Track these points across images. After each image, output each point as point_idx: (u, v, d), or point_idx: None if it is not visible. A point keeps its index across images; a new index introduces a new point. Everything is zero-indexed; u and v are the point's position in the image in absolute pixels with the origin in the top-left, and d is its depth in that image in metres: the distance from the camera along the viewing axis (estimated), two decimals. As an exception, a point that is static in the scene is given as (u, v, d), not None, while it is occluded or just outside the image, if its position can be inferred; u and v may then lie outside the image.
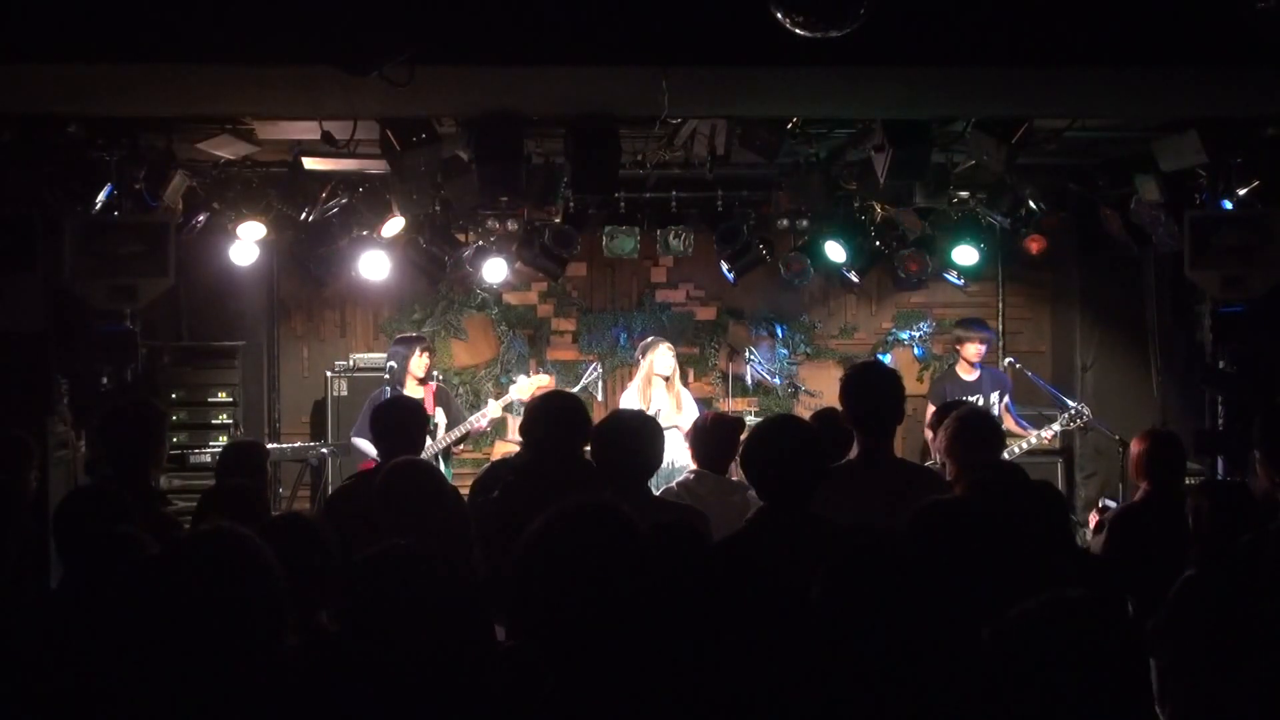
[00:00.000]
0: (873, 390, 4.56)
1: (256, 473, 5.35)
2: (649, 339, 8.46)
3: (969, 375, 8.41)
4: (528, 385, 8.15)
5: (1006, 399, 8.33)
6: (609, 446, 4.38)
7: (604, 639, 2.49)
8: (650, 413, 6.82)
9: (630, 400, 8.04)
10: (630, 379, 9.97)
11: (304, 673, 2.68)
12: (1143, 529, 5.06)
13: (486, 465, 6.31)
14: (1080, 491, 9.56)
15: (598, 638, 2.49)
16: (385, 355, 8.79)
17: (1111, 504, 5.96)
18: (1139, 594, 4.66)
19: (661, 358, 8.08)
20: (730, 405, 9.28)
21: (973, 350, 8.39)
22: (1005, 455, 7.49)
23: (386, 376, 7.93)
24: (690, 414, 7.72)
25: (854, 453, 4.56)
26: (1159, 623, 4.32)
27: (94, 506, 3.96)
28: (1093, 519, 5.78)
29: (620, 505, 2.64)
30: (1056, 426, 7.96)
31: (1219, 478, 7.60)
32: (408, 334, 8.59)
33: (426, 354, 8.00)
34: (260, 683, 2.51)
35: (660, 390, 8.07)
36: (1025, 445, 7.90)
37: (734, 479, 5.64)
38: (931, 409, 6.89)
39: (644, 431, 4.48)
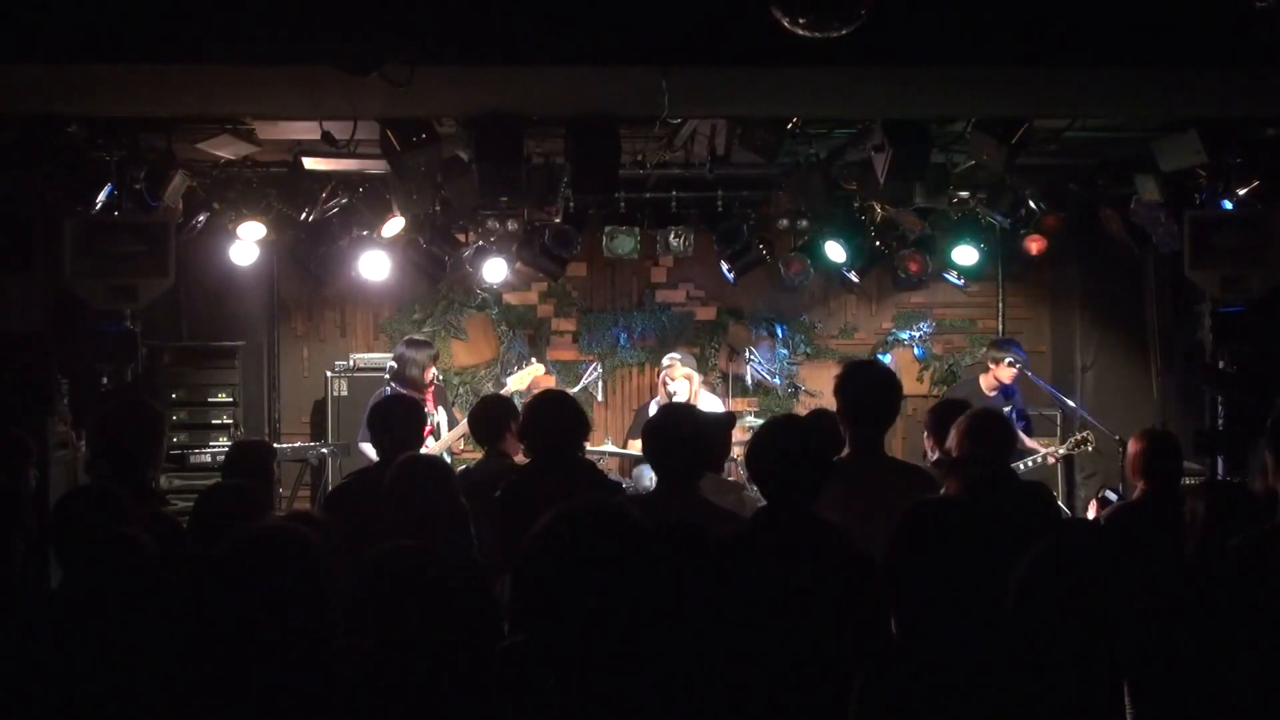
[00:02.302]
0: (869, 388, 4.57)
1: (263, 473, 5.35)
2: (665, 360, 8.43)
3: (990, 391, 8.38)
4: (523, 376, 8.16)
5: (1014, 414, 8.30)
6: (657, 442, 4.33)
7: (606, 638, 2.49)
8: None
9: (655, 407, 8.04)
10: (630, 379, 10.00)
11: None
12: (1139, 528, 5.07)
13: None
14: (1080, 491, 9.56)
15: (600, 637, 2.49)
16: (385, 355, 8.79)
17: (1112, 495, 5.94)
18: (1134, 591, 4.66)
19: (677, 385, 8.11)
20: (730, 405, 9.27)
21: (1007, 374, 8.30)
22: (1019, 467, 7.52)
23: (387, 375, 7.92)
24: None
25: (845, 451, 4.56)
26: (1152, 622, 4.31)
27: (91, 506, 3.96)
28: (1092, 508, 5.78)
29: (625, 505, 2.64)
30: (1062, 450, 7.96)
31: (1219, 478, 7.60)
32: (418, 338, 8.48)
33: (434, 364, 7.96)
34: (317, 679, 2.49)
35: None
36: (1031, 463, 7.86)
37: (730, 478, 5.66)
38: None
39: (695, 429, 4.43)
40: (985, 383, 8.43)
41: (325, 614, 2.58)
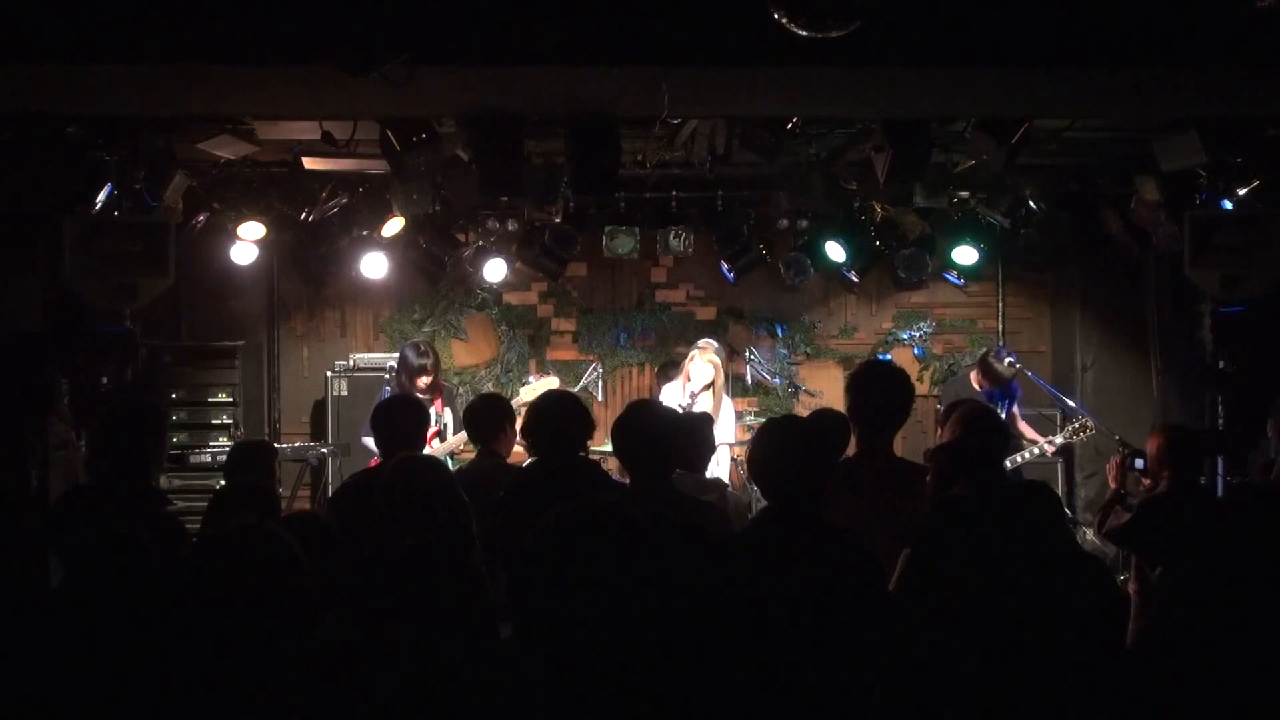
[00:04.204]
0: (880, 389, 4.57)
1: (265, 473, 5.36)
2: (700, 341, 8.22)
3: (979, 386, 8.39)
4: (537, 387, 8.11)
5: (1015, 405, 8.30)
6: (628, 439, 4.34)
7: (608, 638, 2.49)
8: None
9: (670, 394, 7.90)
10: (630, 379, 10.00)
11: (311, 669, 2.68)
12: (1172, 517, 5.20)
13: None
14: (1080, 491, 9.57)
15: (602, 637, 2.49)
16: (385, 356, 8.79)
17: (1140, 462, 5.90)
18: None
19: (699, 368, 7.76)
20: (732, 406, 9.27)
21: (986, 385, 8.30)
22: (1018, 458, 7.52)
23: (387, 376, 7.91)
24: (725, 427, 7.56)
25: (852, 450, 4.56)
26: (1156, 619, 4.33)
27: (91, 506, 3.96)
28: (1112, 467, 5.83)
29: (624, 506, 2.64)
30: (1060, 439, 7.94)
31: (1219, 477, 7.62)
32: (418, 344, 8.40)
33: (424, 375, 7.87)
34: (289, 677, 2.51)
35: (704, 397, 7.84)
36: (1030, 454, 7.84)
37: (710, 476, 5.66)
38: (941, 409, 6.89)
39: (664, 424, 4.43)
40: (975, 379, 8.46)
41: (300, 613, 2.59)
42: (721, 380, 7.86)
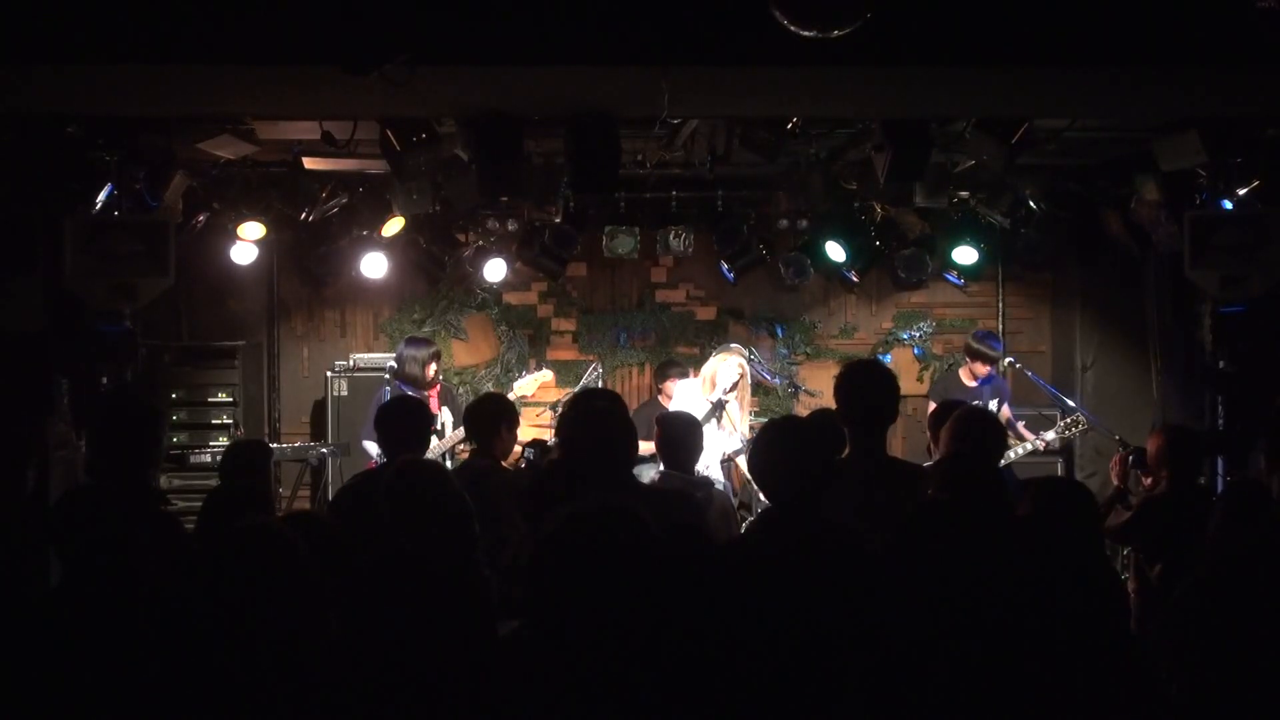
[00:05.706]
0: (869, 388, 4.58)
1: (260, 473, 5.35)
2: (727, 344, 8.13)
3: (970, 382, 8.40)
4: (530, 382, 8.13)
5: (1006, 405, 8.32)
6: (575, 433, 4.31)
7: (616, 637, 2.49)
8: (702, 414, 6.76)
9: (687, 390, 7.79)
10: (630, 378, 10.00)
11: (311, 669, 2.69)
12: (1171, 517, 5.26)
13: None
14: (1080, 491, 9.55)
15: (610, 635, 2.49)
16: (384, 355, 8.79)
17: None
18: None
19: (726, 369, 7.42)
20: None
21: (980, 370, 8.35)
22: (1009, 455, 7.53)
23: (387, 375, 7.92)
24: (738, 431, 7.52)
25: (846, 451, 4.57)
26: (1163, 621, 4.32)
27: (91, 506, 3.96)
28: (1115, 465, 5.86)
29: (634, 507, 2.64)
30: (1051, 435, 7.93)
31: (1219, 477, 7.61)
32: (418, 336, 8.46)
33: (435, 361, 7.96)
34: (293, 675, 2.51)
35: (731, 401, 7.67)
36: (1023, 450, 7.86)
37: (699, 475, 5.67)
38: (932, 408, 6.90)
39: (610, 416, 4.41)
40: (964, 374, 8.46)
41: (308, 610, 2.59)
42: (748, 383, 7.73)
